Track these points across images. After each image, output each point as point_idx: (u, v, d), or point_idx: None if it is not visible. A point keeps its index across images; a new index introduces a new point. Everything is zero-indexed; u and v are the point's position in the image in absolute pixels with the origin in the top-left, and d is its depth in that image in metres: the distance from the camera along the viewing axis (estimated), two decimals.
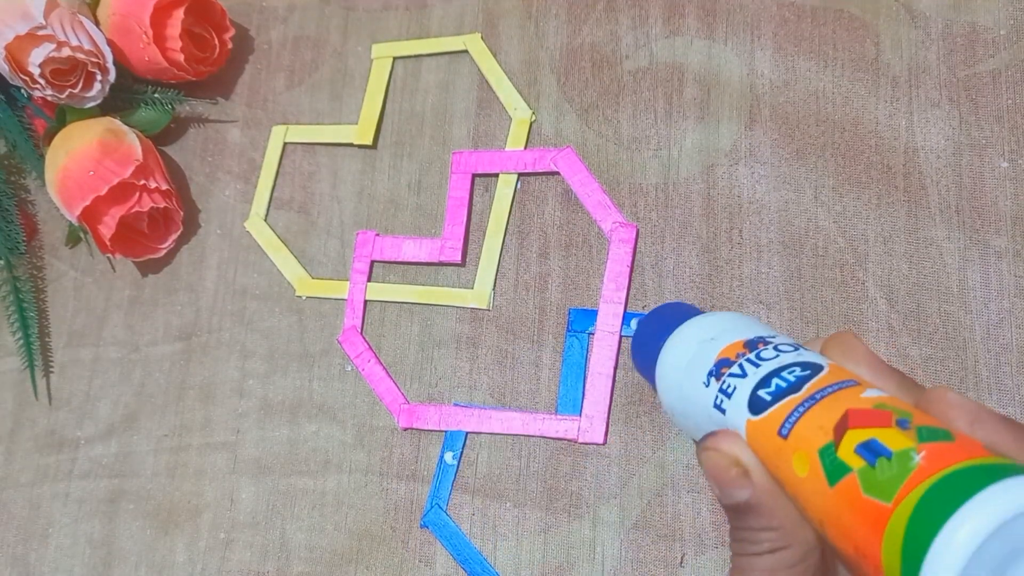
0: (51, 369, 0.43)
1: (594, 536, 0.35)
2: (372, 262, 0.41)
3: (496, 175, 0.40)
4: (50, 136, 0.42)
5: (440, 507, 0.36)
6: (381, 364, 0.39)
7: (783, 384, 0.22)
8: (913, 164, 0.36)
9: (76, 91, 0.40)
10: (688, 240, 0.37)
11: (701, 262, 0.37)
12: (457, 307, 0.39)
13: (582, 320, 0.37)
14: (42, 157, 0.42)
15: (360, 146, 0.42)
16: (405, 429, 0.38)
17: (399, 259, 0.40)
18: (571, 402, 0.36)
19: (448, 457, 0.37)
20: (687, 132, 0.38)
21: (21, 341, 0.43)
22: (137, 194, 0.40)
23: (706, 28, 0.39)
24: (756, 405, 0.23)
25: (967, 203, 0.35)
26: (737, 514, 0.23)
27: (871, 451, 0.19)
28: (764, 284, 0.36)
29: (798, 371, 0.23)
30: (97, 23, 0.42)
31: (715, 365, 0.25)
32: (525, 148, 0.40)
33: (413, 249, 0.40)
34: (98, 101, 0.41)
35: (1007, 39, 0.36)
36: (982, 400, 0.33)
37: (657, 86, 0.39)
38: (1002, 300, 0.34)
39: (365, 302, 0.40)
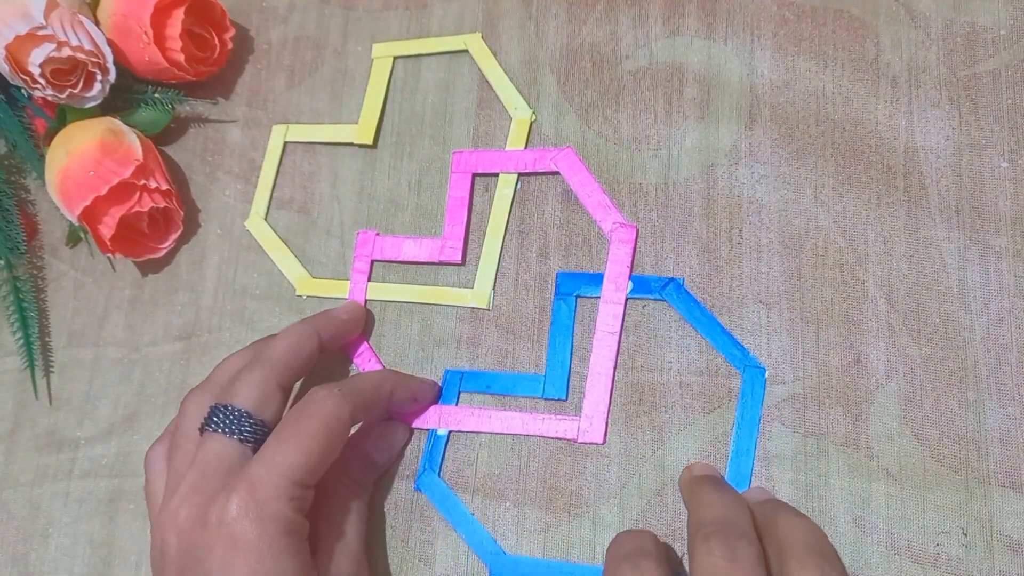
0: (51, 369, 0.43)
1: (594, 536, 0.35)
2: (372, 262, 0.41)
3: (496, 175, 0.40)
4: (50, 136, 0.42)
5: (433, 470, 0.37)
6: (381, 364, 0.39)
7: None
8: (913, 164, 0.36)
9: (76, 91, 0.40)
10: (688, 240, 0.37)
11: (701, 262, 0.37)
12: (457, 307, 0.39)
13: (569, 283, 0.37)
14: (42, 157, 0.42)
15: (360, 146, 0.42)
16: None
17: (399, 259, 0.40)
18: (559, 364, 0.37)
19: (439, 430, 0.37)
20: (687, 132, 0.38)
21: (21, 341, 0.43)
22: (137, 194, 0.40)
23: (706, 28, 0.39)
24: None
25: (967, 203, 0.35)
26: None
27: None
28: (764, 284, 0.36)
29: None
30: (97, 23, 0.42)
31: None
32: (525, 148, 0.40)
33: (413, 249, 0.40)
34: (98, 101, 0.41)
35: (1007, 39, 0.36)
36: (982, 401, 0.33)
37: (657, 86, 0.39)
38: (1002, 300, 0.34)
39: (365, 302, 0.40)
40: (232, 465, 0.31)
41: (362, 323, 0.39)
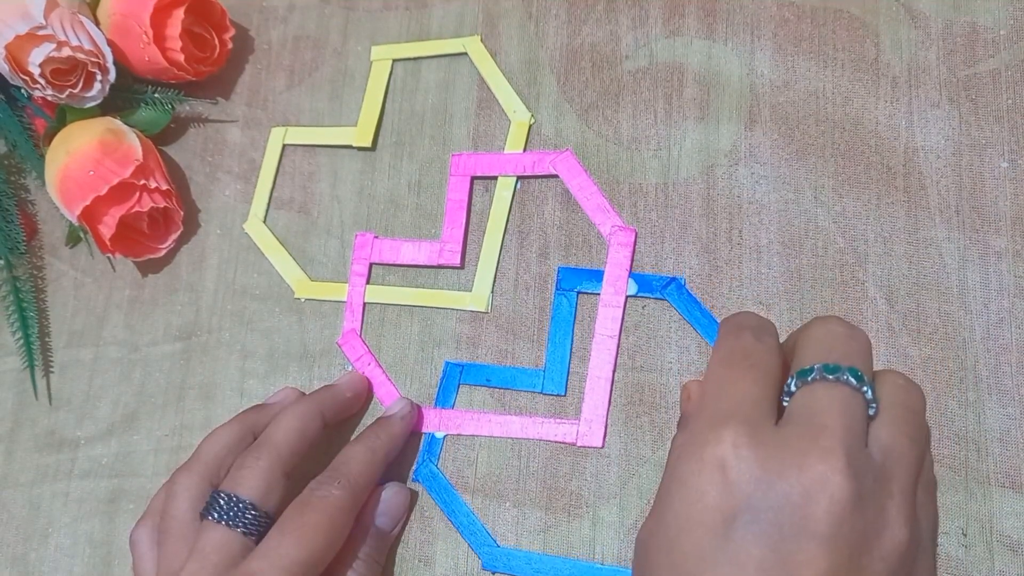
0: (51, 369, 0.43)
1: (593, 536, 0.35)
2: (371, 264, 0.41)
3: (495, 178, 0.40)
4: (50, 136, 0.42)
5: (431, 461, 0.37)
6: (381, 367, 0.39)
7: None
8: (913, 164, 0.36)
9: (76, 91, 0.40)
10: (688, 240, 0.37)
11: (701, 262, 0.37)
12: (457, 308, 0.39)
13: (571, 279, 0.38)
14: (42, 157, 0.42)
15: (360, 148, 0.42)
16: None
17: (398, 262, 0.40)
18: (559, 360, 0.37)
19: (437, 434, 0.38)
20: (687, 132, 0.38)
21: (21, 341, 0.43)
22: (137, 194, 0.40)
23: (706, 28, 0.39)
24: None
25: (967, 203, 0.35)
26: None
27: None
28: (764, 284, 0.36)
29: None
30: (97, 23, 0.42)
31: None
32: (524, 150, 0.40)
33: (412, 252, 0.40)
34: (98, 101, 0.41)
35: (1007, 39, 0.36)
36: (981, 401, 0.33)
37: (657, 86, 0.39)
38: (1002, 300, 0.34)
39: (364, 305, 0.40)
40: (234, 558, 0.30)
41: (364, 398, 0.38)
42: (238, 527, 0.31)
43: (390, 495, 0.35)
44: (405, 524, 0.36)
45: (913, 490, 0.26)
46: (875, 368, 0.27)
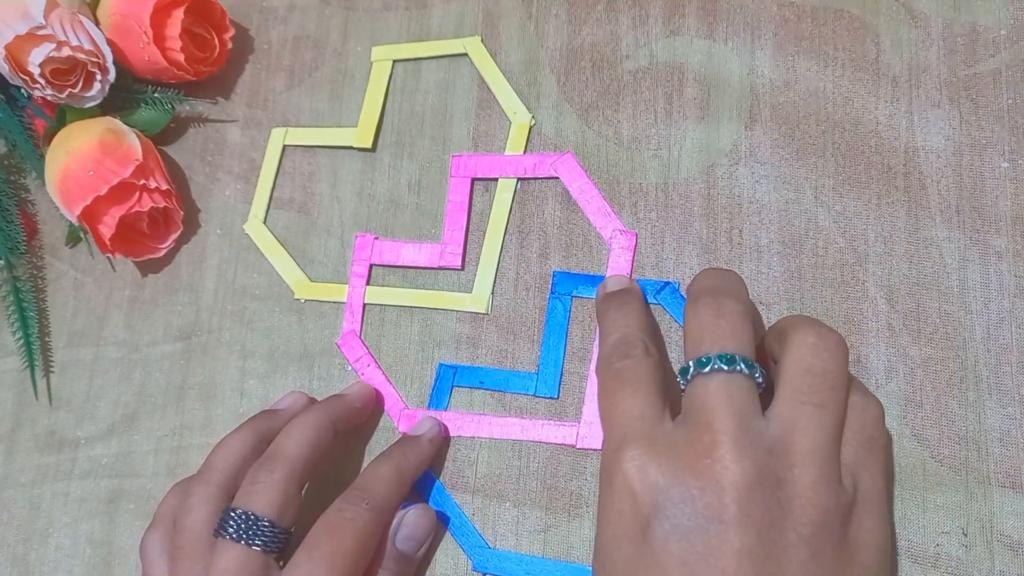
0: (51, 369, 0.43)
1: (593, 536, 0.35)
2: (371, 265, 0.41)
3: (496, 179, 0.40)
4: (50, 136, 0.42)
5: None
6: (380, 369, 0.39)
7: None
8: (913, 164, 0.36)
9: (76, 91, 0.40)
10: (688, 240, 0.37)
11: (701, 262, 0.37)
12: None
13: (566, 283, 0.38)
14: (42, 157, 0.42)
15: (360, 149, 0.42)
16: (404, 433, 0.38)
17: (398, 263, 0.40)
18: (552, 363, 0.37)
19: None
20: (687, 132, 0.38)
21: (21, 341, 0.43)
22: (137, 194, 0.40)
23: (706, 28, 0.39)
24: None
25: (967, 203, 0.35)
26: None
27: None
28: (764, 284, 0.36)
29: None
30: (97, 23, 0.42)
31: None
32: (525, 151, 0.40)
33: (412, 254, 0.40)
34: (98, 101, 0.41)
35: (1007, 39, 0.36)
36: (981, 401, 0.33)
37: (657, 86, 0.39)
38: (1002, 300, 0.34)
39: (364, 306, 0.40)
40: None
41: (372, 409, 0.38)
42: (256, 545, 0.30)
43: (415, 518, 0.34)
44: (430, 547, 0.36)
45: (828, 455, 0.27)
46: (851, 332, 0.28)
